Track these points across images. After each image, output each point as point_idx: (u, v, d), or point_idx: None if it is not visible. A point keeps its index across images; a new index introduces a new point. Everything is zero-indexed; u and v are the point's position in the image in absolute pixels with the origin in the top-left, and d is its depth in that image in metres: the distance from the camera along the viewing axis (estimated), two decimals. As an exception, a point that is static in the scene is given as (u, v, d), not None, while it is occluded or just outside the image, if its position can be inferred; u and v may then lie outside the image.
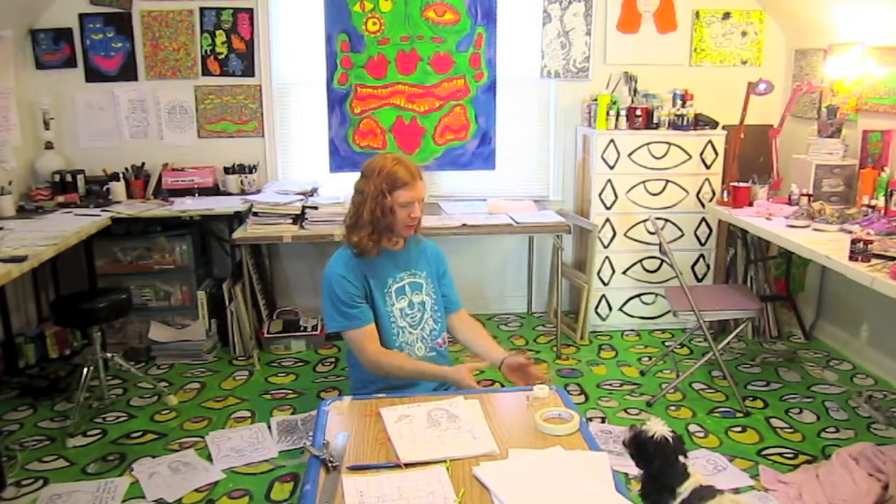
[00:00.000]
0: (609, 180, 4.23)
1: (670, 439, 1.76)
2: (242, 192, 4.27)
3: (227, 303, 4.07)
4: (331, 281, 2.17)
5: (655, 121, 4.24)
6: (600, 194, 4.24)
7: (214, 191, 4.28)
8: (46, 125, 4.14)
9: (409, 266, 2.28)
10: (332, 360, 4.07)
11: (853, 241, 2.79)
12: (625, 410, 3.42)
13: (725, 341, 3.64)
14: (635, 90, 4.37)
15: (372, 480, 1.46)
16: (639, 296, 4.41)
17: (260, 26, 4.28)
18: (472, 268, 4.66)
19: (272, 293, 4.59)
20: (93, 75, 4.25)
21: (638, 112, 4.21)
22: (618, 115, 4.20)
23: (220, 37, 4.28)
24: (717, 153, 4.22)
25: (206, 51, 4.30)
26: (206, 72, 4.32)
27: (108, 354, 3.51)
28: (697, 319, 3.42)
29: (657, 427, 1.77)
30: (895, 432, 3.14)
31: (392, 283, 2.24)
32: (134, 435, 3.21)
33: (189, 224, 4.13)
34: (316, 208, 3.88)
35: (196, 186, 4.23)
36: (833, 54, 3.93)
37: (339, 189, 4.27)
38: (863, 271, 2.67)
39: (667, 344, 4.22)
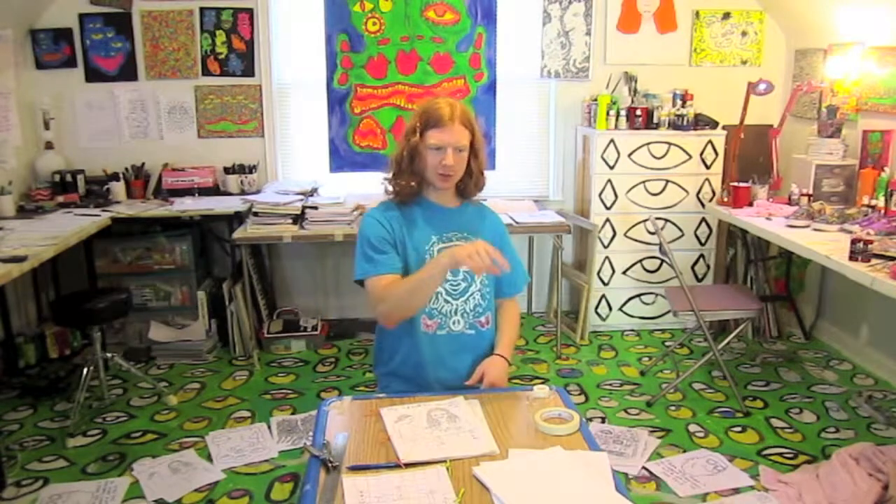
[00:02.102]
0: (609, 180, 4.23)
1: None
2: (242, 192, 4.27)
3: (227, 303, 4.07)
4: (363, 222, 2.01)
5: (655, 121, 4.24)
6: (600, 194, 4.24)
7: (214, 191, 4.28)
8: (46, 125, 4.14)
9: (462, 227, 2.03)
10: (332, 360, 4.07)
11: (853, 241, 2.79)
12: (625, 410, 3.42)
13: (725, 341, 3.64)
14: (635, 90, 4.37)
15: (372, 480, 1.46)
16: (639, 296, 4.41)
17: (260, 26, 4.28)
18: (472, 268, 4.65)
19: (272, 293, 4.59)
20: (93, 75, 4.25)
21: (638, 112, 4.21)
22: (618, 115, 4.20)
23: (220, 37, 4.28)
24: (717, 153, 4.23)
25: (206, 51, 4.30)
26: (206, 72, 4.32)
27: (108, 354, 3.51)
28: (697, 319, 3.42)
29: None
30: (895, 432, 3.14)
31: (436, 240, 1.99)
32: (134, 435, 3.21)
33: (189, 224, 4.13)
34: (316, 208, 3.88)
35: (196, 186, 4.23)
36: (833, 54, 3.93)
37: (339, 189, 4.28)
38: (863, 271, 2.67)
39: (667, 344, 4.22)
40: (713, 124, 4.22)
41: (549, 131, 4.63)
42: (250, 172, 4.33)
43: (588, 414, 3.37)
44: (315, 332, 4.22)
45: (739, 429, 3.22)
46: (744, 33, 4.49)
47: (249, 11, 4.26)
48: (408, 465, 1.51)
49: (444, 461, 1.52)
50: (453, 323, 2.03)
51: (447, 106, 1.95)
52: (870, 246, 2.74)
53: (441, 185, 1.99)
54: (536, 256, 4.75)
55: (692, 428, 3.23)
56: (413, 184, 1.99)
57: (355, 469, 1.50)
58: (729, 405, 3.44)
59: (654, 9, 4.42)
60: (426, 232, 2.00)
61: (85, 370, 3.33)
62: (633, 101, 4.33)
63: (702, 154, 4.22)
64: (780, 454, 3.00)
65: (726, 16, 4.46)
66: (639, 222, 4.29)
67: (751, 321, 4.09)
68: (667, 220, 4.27)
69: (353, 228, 3.79)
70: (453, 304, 2.03)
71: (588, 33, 4.43)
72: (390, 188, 2.03)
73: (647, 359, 4.03)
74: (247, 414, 3.41)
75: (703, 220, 4.30)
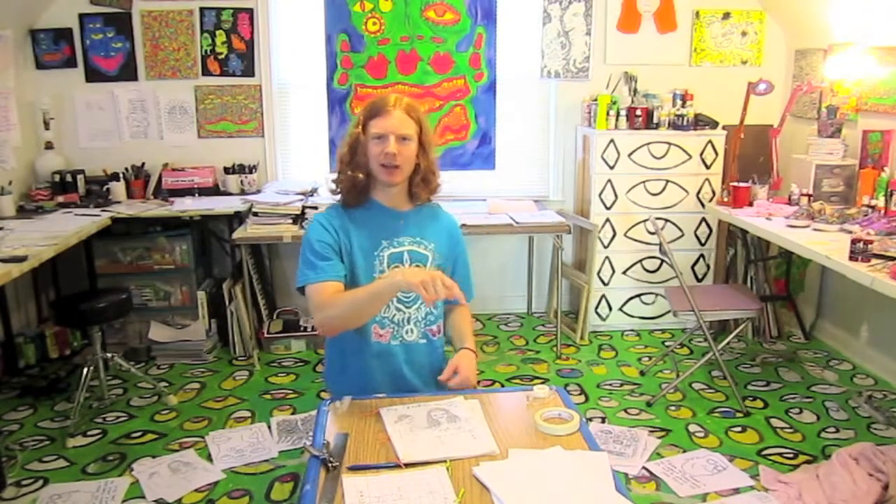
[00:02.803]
0: (609, 180, 4.23)
1: None
2: (242, 192, 4.27)
3: (227, 303, 4.07)
4: (308, 227, 1.95)
5: (655, 121, 4.24)
6: (600, 194, 4.24)
7: (214, 191, 4.28)
8: (46, 125, 4.14)
9: (415, 231, 1.96)
10: (332, 360, 4.07)
11: (853, 241, 2.79)
12: (625, 410, 3.42)
13: (725, 341, 3.64)
14: (635, 90, 4.37)
15: (372, 480, 1.46)
16: (639, 296, 4.41)
17: (260, 26, 4.28)
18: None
19: (272, 293, 4.59)
20: (93, 75, 4.25)
21: (638, 112, 4.21)
22: (618, 115, 4.20)
23: (220, 37, 4.28)
24: (717, 153, 4.22)
25: (206, 51, 4.30)
26: (206, 72, 4.32)
27: (108, 354, 3.51)
28: (697, 319, 3.42)
29: None
30: (895, 432, 3.14)
31: (386, 245, 1.93)
32: (134, 435, 3.21)
33: (189, 224, 4.13)
34: (316, 208, 3.88)
35: (196, 186, 4.23)
36: (833, 54, 3.93)
37: (339, 189, 4.28)
38: (863, 271, 2.67)
39: (667, 344, 4.22)
40: (713, 124, 4.22)
41: (549, 131, 4.63)
42: (250, 172, 4.33)
43: (588, 414, 3.37)
44: (315, 332, 4.21)
45: (739, 429, 3.22)
46: (744, 33, 4.49)
47: (249, 11, 4.26)
48: (408, 465, 1.51)
49: (444, 461, 1.52)
50: (406, 332, 1.96)
51: (393, 98, 1.91)
52: (870, 246, 2.74)
53: (385, 178, 1.89)
54: (536, 256, 4.75)
55: (692, 428, 3.23)
56: (360, 175, 1.90)
57: (355, 469, 1.50)
58: (729, 405, 3.44)
59: (654, 9, 4.42)
60: (376, 236, 1.92)
61: (85, 370, 3.33)
62: (633, 101, 4.33)
63: (702, 154, 4.22)
64: (780, 454, 3.00)
65: (726, 16, 4.46)
66: (639, 222, 4.29)
67: (751, 321, 4.10)
68: (667, 220, 4.27)
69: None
70: (406, 312, 1.96)
71: (588, 33, 4.43)
72: (333, 187, 1.98)
73: (647, 359, 4.03)
74: (247, 414, 3.41)
75: (703, 220, 4.30)
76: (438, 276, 1.67)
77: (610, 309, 4.42)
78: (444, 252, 2.01)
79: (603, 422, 3.30)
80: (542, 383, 1.91)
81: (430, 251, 1.98)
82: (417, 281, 1.66)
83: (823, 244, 3.04)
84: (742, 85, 4.03)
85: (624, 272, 4.37)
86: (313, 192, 4.19)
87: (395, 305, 1.94)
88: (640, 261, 4.36)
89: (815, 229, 3.30)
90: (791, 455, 2.99)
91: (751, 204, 3.83)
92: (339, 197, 2.00)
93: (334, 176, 1.99)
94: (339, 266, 1.88)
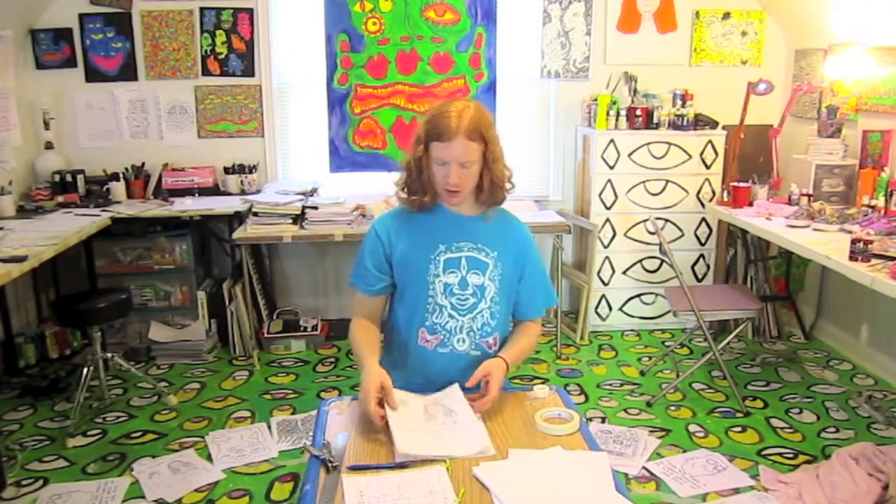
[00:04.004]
0: (609, 180, 4.23)
1: None
2: (242, 192, 4.27)
3: (227, 303, 4.07)
4: (371, 229, 1.95)
5: (655, 121, 4.24)
6: (600, 194, 4.24)
7: (214, 191, 4.28)
8: (46, 125, 4.14)
9: (476, 238, 1.89)
10: (332, 360, 4.07)
11: (853, 241, 2.79)
12: (625, 410, 3.42)
13: (725, 341, 3.64)
14: (635, 90, 4.37)
15: (372, 480, 1.46)
16: (639, 296, 4.41)
17: (260, 26, 4.28)
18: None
19: (272, 293, 4.59)
20: (93, 75, 4.25)
21: (638, 112, 4.21)
22: (618, 115, 4.21)
23: (220, 37, 4.28)
24: (717, 153, 4.23)
25: (206, 51, 4.30)
26: (206, 72, 4.33)
27: (108, 354, 3.51)
28: (697, 319, 3.42)
29: None
30: (895, 432, 3.14)
31: (444, 249, 1.86)
32: (134, 435, 3.21)
33: (189, 224, 4.12)
34: (316, 208, 3.88)
35: (196, 186, 4.23)
36: (833, 54, 3.93)
37: (339, 189, 4.28)
38: (863, 271, 2.67)
39: (667, 344, 4.22)
40: (713, 124, 4.22)
41: (549, 131, 4.63)
42: (250, 172, 4.33)
43: (588, 414, 3.37)
44: (315, 332, 4.22)
45: (739, 429, 3.22)
46: (744, 33, 4.49)
47: (249, 11, 4.26)
48: (404, 467, 1.51)
49: (444, 461, 1.52)
50: (458, 341, 1.89)
51: (455, 117, 1.80)
52: (870, 246, 2.74)
53: (449, 199, 1.87)
54: (536, 256, 4.75)
55: (692, 428, 3.23)
56: (426, 199, 1.88)
57: (355, 469, 1.50)
58: (729, 405, 3.44)
59: (654, 9, 4.42)
60: (432, 240, 1.87)
61: (85, 370, 3.33)
62: (633, 101, 4.33)
63: (702, 154, 4.22)
64: (780, 454, 3.00)
65: (726, 16, 4.46)
66: (639, 222, 4.29)
67: (751, 321, 4.10)
68: (667, 220, 4.27)
69: (352, 228, 3.79)
70: (459, 320, 1.88)
71: (588, 33, 4.43)
72: (403, 195, 1.92)
73: (647, 359, 4.03)
74: (247, 414, 3.41)
75: (703, 220, 4.30)
76: (372, 409, 1.64)
77: (610, 309, 4.42)
78: (509, 261, 1.92)
79: (603, 422, 3.30)
80: (542, 383, 1.91)
81: (491, 259, 1.89)
82: (362, 397, 1.68)
83: (823, 244, 3.04)
84: (742, 85, 4.03)
85: (624, 272, 4.37)
86: (313, 192, 4.20)
87: (448, 312, 1.88)
88: (640, 261, 4.36)
89: (815, 229, 3.30)
90: (791, 455, 2.99)
91: (751, 204, 3.83)
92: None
93: (399, 181, 1.94)
94: (383, 279, 1.92)
